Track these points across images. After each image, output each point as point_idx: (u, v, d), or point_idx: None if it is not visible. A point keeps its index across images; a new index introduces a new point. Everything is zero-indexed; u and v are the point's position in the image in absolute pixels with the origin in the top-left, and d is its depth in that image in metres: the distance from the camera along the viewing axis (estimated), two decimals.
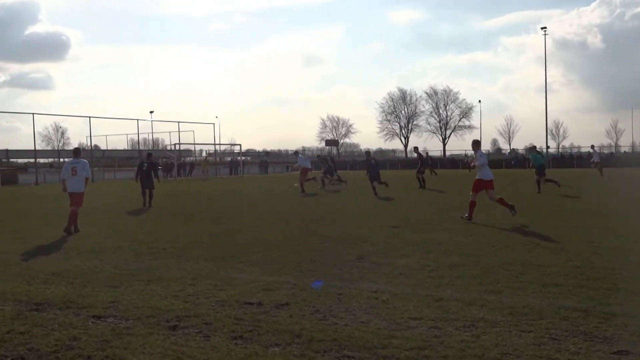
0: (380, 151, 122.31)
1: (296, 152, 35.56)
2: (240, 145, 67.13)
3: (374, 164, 24.32)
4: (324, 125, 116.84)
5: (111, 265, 8.99)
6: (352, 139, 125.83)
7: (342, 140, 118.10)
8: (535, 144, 32.20)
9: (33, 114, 47.31)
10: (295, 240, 11.10)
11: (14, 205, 22.34)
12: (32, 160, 63.18)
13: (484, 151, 14.73)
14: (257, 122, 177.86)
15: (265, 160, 69.40)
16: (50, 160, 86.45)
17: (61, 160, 79.29)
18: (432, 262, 8.64)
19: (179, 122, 62.64)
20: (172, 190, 30.81)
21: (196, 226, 13.87)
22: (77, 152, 14.42)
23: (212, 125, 68.94)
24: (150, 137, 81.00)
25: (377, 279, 7.61)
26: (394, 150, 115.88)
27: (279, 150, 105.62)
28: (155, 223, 14.79)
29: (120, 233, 12.84)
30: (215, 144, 68.51)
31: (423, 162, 29.09)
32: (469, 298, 6.47)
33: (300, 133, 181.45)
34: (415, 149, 30.27)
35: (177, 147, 58.34)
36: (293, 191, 27.13)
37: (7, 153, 54.94)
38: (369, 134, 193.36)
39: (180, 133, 61.38)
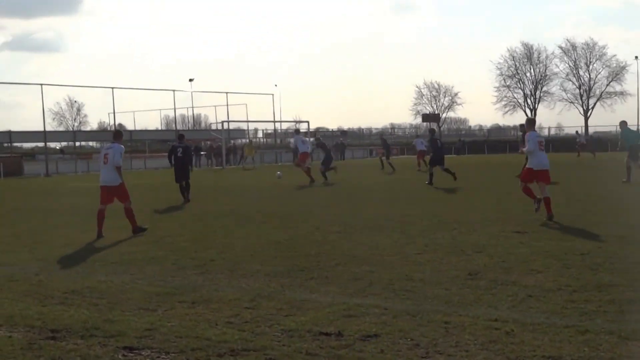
0: (497, 128, 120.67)
1: (297, 131, 36.35)
2: (307, 122, 67.73)
3: (439, 146, 27.06)
4: (420, 95, 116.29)
5: (145, 281, 9.26)
6: (459, 113, 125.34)
7: (444, 115, 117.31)
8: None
9: (41, 84, 49.24)
10: (386, 250, 11.12)
11: (19, 203, 23.25)
12: (40, 144, 65.57)
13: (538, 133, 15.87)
14: (329, 93, 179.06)
15: (342, 142, 69.56)
16: (63, 144, 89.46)
17: (77, 144, 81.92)
18: (574, 280, 8.48)
19: (227, 92, 64.03)
20: (219, 181, 31.35)
21: (254, 231, 14.09)
22: (117, 135, 15.10)
23: (271, 96, 69.90)
24: (190, 113, 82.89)
25: (498, 302, 7.54)
26: (515, 127, 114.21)
27: (360, 129, 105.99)
28: (200, 226, 15.09)
29: (155, 239, 13.20)
30: (274, 122, 69.31)
31: None
32: (627, 330, 6.32)
33: (387, 106, 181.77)
34: (521, 126, 29.70)
35: (225, 125, 59.18)
36: (274, 181, 27.45)
37: (10, 136, 57.20)
38: (481, 106, 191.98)
39: (229, 107, 62.47)
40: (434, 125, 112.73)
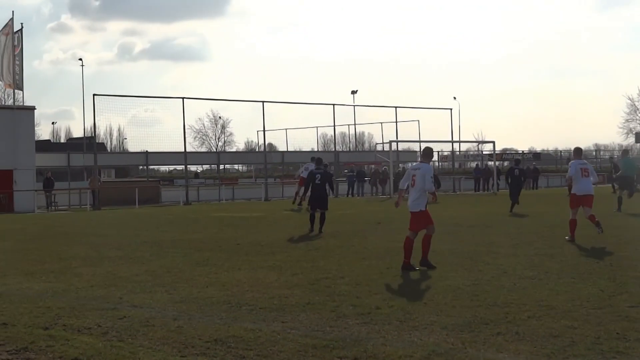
0: None
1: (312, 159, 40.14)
2: (493, 142, 66.90)
3: (517, 175, 32.54)
4: (634, 109, 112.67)
5: (299, 331, 9.37)
6: None
7: None
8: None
9: (183, 98, 50.90)
10: (591, 301, 10.85)
11: (155, 235, 24.04)
12: (179, 167, 67.78)
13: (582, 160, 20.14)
14: (519, 107, 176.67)
15: (535, 167, 68.35)
16: (206, 167, 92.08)
17: (221, 167, 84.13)
18: None
19: (395, 107, 64.05)
20: (384, 213, 31.43)
21: (427, 273, 14.05)
22: (426, 153, 15.91)
23: (449, 111, 68.96)
24: (352, 131, 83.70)
25: None
26: None
27: (556, 151, 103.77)
28: (363, 267, 15.13)
29: (311, 281, 13.37)
30: (452, 142, 68.85)
31: None
32: None
33: (591, 123, 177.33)
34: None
35: (394, 146, 59.33)
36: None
37: (147, 157, 59.35)
38: None
39: (398, 124, 62.59)
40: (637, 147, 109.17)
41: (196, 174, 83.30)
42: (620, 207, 28.96)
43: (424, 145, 72.88)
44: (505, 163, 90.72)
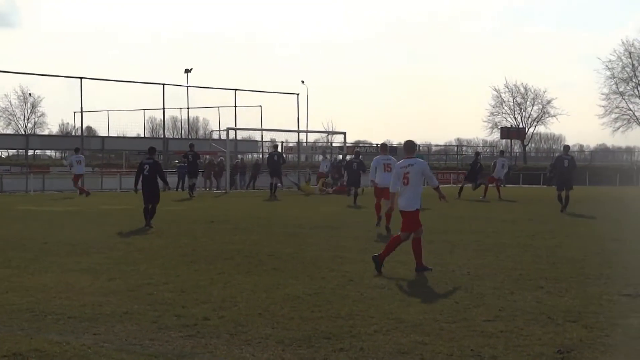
0: (603, 150, 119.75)
1: (76, 150, 47.07)
2: (344, 133, 67.59)
3: (355, 168, 37.17)
4: (499, 101, 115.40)
5: (114, 344, 9.28)
6: (552, 127, 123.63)
7: (531, 129, 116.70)
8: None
9: None
10: (444, 314, 11.10)
11: None
12: None
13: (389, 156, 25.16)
14: (375, 95, 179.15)
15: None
16: (12, 152, 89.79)
17: (30, 152, 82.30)
18: None
19: (235, 89, 63.86)
20: (220, 211, 31.37)
21: (264, 280, 14.09)
22: (410, 147, 16.02)
23: (296, 97, 68.94)
24: (185, 116, 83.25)
25: None
26: (629, 150, 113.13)
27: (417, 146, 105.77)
28: (191, 272, 15.09)
29: (130, 287, 13.25)
30: (298, 131, 69.17)
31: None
32: None
33: (453, 115, 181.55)
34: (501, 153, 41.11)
35: (232, 134, 59.25)
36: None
37: None
38: (583, 118, 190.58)
39: (238, 109, 62.50)
40: (517, 143, 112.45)
41: None
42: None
43: (266, 134, 73.42)
44: (361, 157, 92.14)
